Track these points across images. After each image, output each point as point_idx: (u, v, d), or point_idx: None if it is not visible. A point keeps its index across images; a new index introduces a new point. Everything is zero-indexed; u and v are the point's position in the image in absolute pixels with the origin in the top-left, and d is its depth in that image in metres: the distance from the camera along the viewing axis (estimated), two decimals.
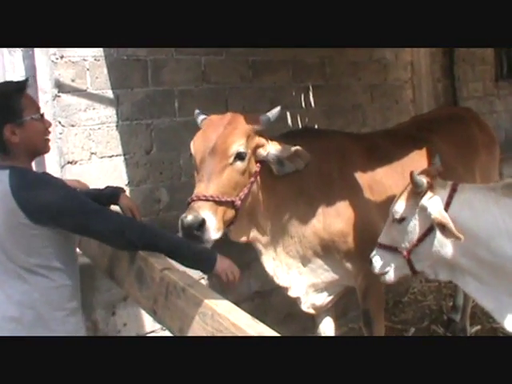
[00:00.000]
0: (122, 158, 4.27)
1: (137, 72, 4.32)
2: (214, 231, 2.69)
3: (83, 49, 3.99)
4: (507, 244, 2.65)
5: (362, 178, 3.45)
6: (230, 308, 2.06)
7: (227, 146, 2.81)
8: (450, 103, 7.09)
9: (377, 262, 3.00)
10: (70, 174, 3.96)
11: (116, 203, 2.94)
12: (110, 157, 4.22)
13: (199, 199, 2.70)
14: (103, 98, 4.16)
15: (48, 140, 2.66)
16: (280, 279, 3.34)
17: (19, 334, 2.48)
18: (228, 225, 2.89)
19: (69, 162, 4.01)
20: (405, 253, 2.88)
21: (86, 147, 4.09)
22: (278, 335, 1.83)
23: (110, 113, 4.20)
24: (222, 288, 2.70)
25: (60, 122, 3.95)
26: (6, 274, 2.50)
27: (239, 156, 2.83)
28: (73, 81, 4.00)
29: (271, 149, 3.00)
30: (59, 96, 3.94)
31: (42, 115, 2.60)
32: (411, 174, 2.79)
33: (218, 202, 2.73)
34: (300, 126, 5.27)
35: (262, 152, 2.99)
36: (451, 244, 2.76)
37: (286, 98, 5.32)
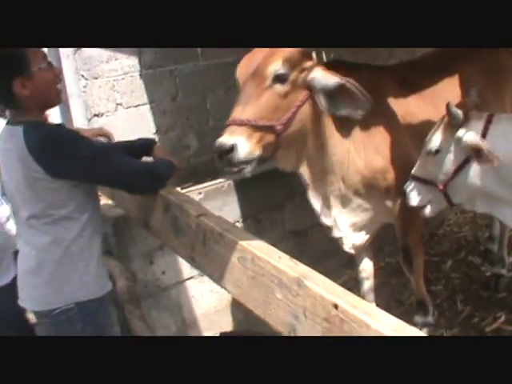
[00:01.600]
0: (148, 106, 4.25)
1: None
2: (245, 155, 2.57)
3: None
4: None
5: (396, 111, 3.35)
6: (270, 250, 2.04)
7: (266, 68, 2.67)
8: None
9: (413, 194, 2.98)
10: (97, 127, 3.95)
11: (149, 155, 2.94)
12: (136, 106, 4.20)
13: (234, 123, 2.60)
14: (125, 48, 4.11)
15: (59, 90, 2.61)
16: (326, 218, 3.31)
17: (39, 288, 2.54)
18: (273, 151, 2.78)
19: (95, 115, 4.00)
20: (441, 186, 2.87)
21: (112, 98, 4.06)
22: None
23: (132, 62, 4.15)
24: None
25: (83, 76, 3.92)
26: (28, 229, 2.54)
27: (278, 78, 2.68)
28: None
29: (317, 74, 2.79)
30: (80, 49, 3.89)
31: (50, 63, 2.54)
32: (447, 106, 2.74)
33: (254, 127, 2.61)
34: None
35: (308, 76, 2.79)
36: (488, 174, 2.71)
37: None
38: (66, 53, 3.81)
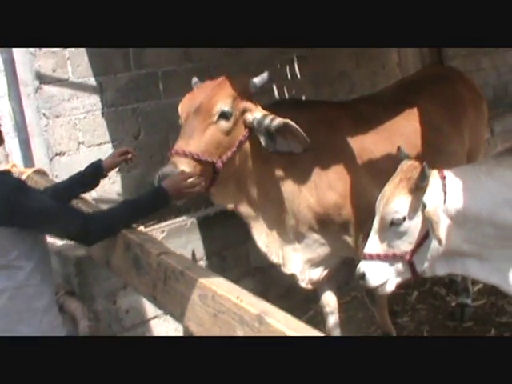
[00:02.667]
0: (111, 145, 4.24)
1: (118, 57, 4.26)
2: None
3: None
4: (509, 213, 2.51)
5: (351, 146, 3.37)
6: (231, 288, 2.04)
7: (212, 104, 2.78)
8: (437, 63, 7.03)
9: (371, 275, 2.65)
10: (59, 166, 3.93)
11: (100, 176, 2.94)
12: (99, 145, 4.18)
13: (177, 154, 2.68)
14: (86, 86, 4.11)
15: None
16: (273, 256, 3.27)
17: None
18: (206, 188, 2.85)
19: (57, 154, 3.97)
20: (407, 256, 2.61)
21: (73, 137, 4.04)
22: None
23: (94, 100, 4.15)
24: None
25: (44, 114, 3.90)
26: None
27: (223, 115, 2.79)
28: (54, 71, 3.95)
29: (258, 115, 2.90)
30: (41, 88, 3.88)
31: None
32: (423, 168, 2.54)
33: (197, 160, 2.70)
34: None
35: (249, 116, 2.91)
36: (455, 233, 2.57)
37: (271, 70, 5.21)
38: (26, 92, 3.79)
